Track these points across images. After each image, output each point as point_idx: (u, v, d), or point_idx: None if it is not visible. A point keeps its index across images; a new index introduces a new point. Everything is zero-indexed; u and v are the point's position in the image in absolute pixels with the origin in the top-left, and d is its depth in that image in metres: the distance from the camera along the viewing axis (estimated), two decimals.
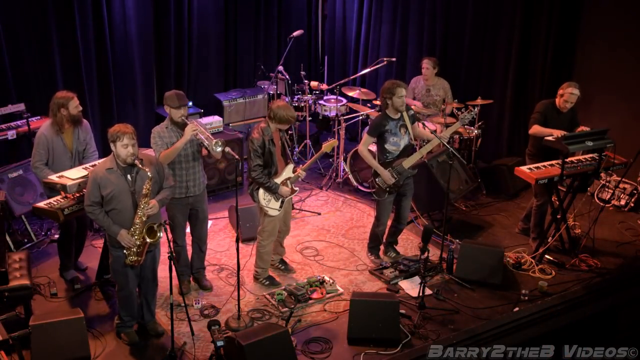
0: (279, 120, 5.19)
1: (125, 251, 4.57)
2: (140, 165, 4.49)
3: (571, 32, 7.44)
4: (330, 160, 8.08)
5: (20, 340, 4.23)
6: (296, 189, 5.53)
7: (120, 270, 4.67)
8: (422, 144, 5.91)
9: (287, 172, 5.44)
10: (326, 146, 5.64)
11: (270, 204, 5.36)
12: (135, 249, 4.57)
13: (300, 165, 5.57)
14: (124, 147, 4.43)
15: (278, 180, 5.36)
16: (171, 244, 4.46)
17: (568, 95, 5.84)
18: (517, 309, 5.30)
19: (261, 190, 5.31)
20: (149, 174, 4.51)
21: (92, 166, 5.07)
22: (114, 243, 4.58)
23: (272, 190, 5.30)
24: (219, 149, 4.93)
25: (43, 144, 5.24)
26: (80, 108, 5.33)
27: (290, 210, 5.76)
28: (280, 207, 5.41)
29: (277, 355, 4.41)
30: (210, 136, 5.00)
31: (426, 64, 7.43)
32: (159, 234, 4.51)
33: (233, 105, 8.32)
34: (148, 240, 4.53)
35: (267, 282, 5.60)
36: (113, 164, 4.50)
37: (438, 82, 7.56)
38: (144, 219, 4.55)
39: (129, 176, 4.51)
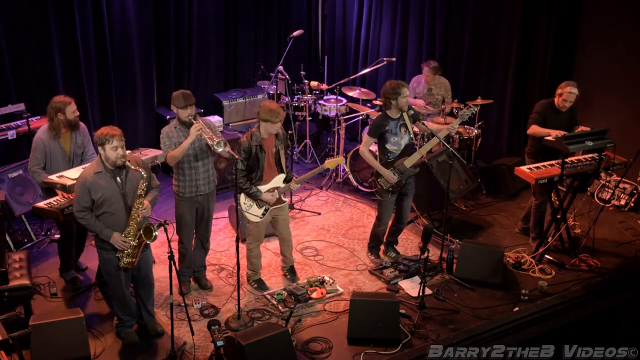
0: (266, 118, 5.06)
1: (117, 254, 4.56)
2: (133, 167, 4.48)
3: (571, 31, 7.44)
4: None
5: (20, 340, 4.23)
6: (285, 199, 5.43)
7: (113, 273, 4.66)
8: (422, 144, 5.90)
9: (276, 181, 5.36)
10: (329, 162, 5.49)
11: (251, 210, 5.30)
12: (130, 251, 4.55)
13: (296, 177, 5.48)
14: (114, 149, 4.39)
15: (264, 187, 5.31)
16: (171, 244, 4.45)
17: (567, 94, 5.83)
18: (517, 309, 5.30)
19: (243, 195, 5.29)
20: (143, 174, 4.51)
21: None
22: (105, 246, 4.55)
23: (252, 197, 5.27)
24: (221, 149, 4.92)
25: (40, 149, 5.25)
26: (78, 113, 5.34)
27: (286, 219, 5.59)
28: (263, 214, 5.33)
29: (277, 355, 4.41)
30: (214, 136, 4.99)
31: (426, 72, 7.47)
32: (154, 233, 4.49)
33: (233, 105, 8.32)
34: (146, 241, 4.53)
35: (255, 286, 5.58)
36: (101, 167, 4.46)
37: (439, 82, 7.57)
38: (139, 219, 4.55)
39: (118, 178, 4.48)
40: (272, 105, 5.16)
